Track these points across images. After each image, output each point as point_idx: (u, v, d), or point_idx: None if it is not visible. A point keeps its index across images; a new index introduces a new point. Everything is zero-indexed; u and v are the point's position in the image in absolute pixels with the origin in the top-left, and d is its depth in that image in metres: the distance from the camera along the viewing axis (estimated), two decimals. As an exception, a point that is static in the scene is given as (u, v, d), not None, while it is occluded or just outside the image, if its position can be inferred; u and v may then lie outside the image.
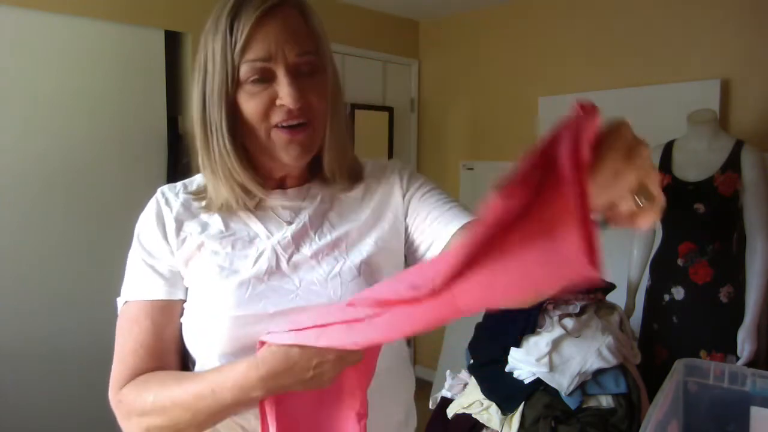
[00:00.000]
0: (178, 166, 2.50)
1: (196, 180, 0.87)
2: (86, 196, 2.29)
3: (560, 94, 2.92)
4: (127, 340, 0.77)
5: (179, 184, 0.87)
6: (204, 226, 0.81)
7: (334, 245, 0.81)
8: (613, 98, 2.71)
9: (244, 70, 0.73)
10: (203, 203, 0.82)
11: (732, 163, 2.00)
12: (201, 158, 0.79)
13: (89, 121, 2.28)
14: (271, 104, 0.75)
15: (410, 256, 0.89)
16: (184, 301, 0.80)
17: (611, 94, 2.72)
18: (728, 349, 2.01)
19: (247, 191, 0.79)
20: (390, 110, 3.45)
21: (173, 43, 2.57)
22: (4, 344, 2.11)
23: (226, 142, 0.75)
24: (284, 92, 0.73)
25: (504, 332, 1.87)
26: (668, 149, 2.18)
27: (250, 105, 0.74)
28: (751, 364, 1.96)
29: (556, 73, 2.94)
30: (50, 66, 2.18)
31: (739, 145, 2.01)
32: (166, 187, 0.87)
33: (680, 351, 1.93)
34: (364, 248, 0.81)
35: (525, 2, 3.06)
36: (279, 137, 0.76)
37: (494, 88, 3.22)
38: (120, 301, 0.82)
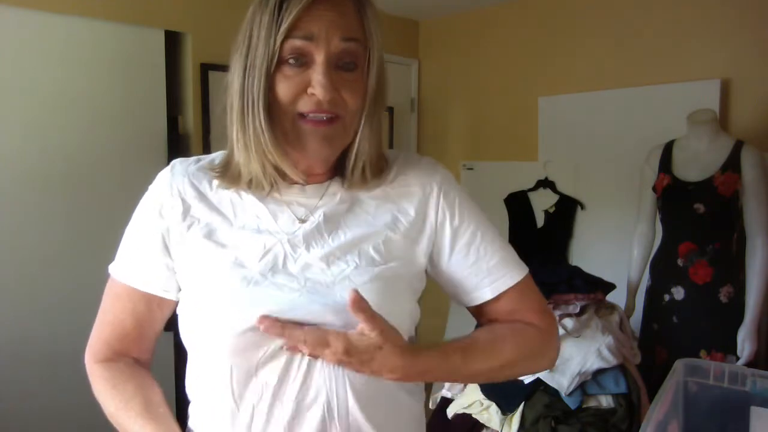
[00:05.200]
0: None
1: (215, 157, 0.84)
2: (86, 197, 2.28)
3: (560, 94, 2.92)
4: (109, 313, 0.83)
5: (192, 160, 0.84)
6: (212, 212, 0.79)
7: (347, 249, 0.77)
8: (613, 98, 2.71)
9: (286, 49, 0.71)
10: (225, 179, 0.79)
11: (732, 163, 2.00)
12: (236, 132, 0.75)
13: (89, 121, 2.28)
14: (302, 91, 0.72)
15: (440, 280, 0.86)
16: (175, 302, 0.81)
17: (611, 94, 2.72)
18: (728, 349, 2.01)
19: (278, 171, 0.76)
20: (390, 110, 3.45)
21: (173, 43, 2.57)
22: (3, 345, 2.11)
23: (262, 120, 0.72)
24: (316, 80, 0.70)
25: (504, 332, 1.87)
26: (668, 149, 2.18)
27: (282, 87, 0.72)
28: (751, 364, 1.96)
29: (556, 73, 2.94)
30: (50, 66, 2.18)
31: (739, 145, 2.01)
32: (178, 163, 0.83)
33: (680, 351, 1.93)
34: (379, 255, 0.77)
35: (525, 2, 3.06)
36: (303, 126, 0.73)
37: (494, 88, 3.22)
38: (111, 269, 0.83)
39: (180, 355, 2.47)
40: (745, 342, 1.96)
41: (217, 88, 2.85)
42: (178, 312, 0.80)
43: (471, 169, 3.33)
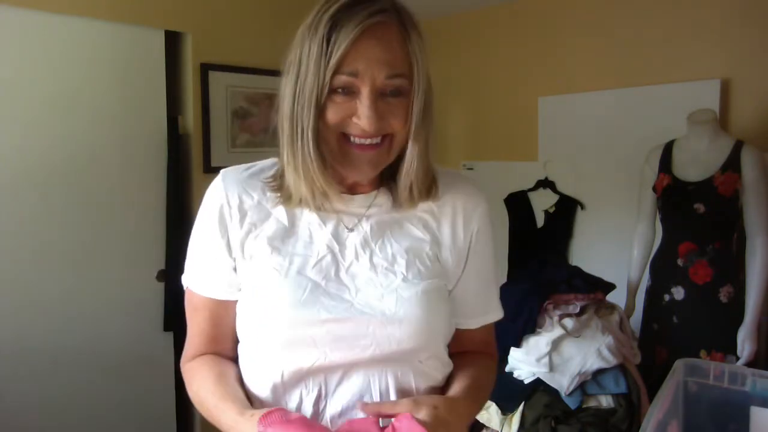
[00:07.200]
0: (178, 166, 2.51)
1: (264, 167, 0.87)
2: (86, 197, 2.28)
3: (560, 94, 2.92)
4: (192, 324, 0.89)
5: (242, 168, 0.87)
6: (267, 218, 0.83)
7: (394, 260, 0.82)
8: (613, 98, 2.71)
9: (334, 82, 0.74)
10: (278, 194, 0.83)
11: (732, 163, 2.00)
12: (286, 155, 0.79)
13: (89, 122, 2.28)
14: (349, 116, 0.76)
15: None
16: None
17: (611, 94, 2.72)
18: (728, 349, 2.01)
19: (325, 194, 0.80)
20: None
21: (173, 43, 2.57)
22: (3, 344, 2.11)
23: (311, 149, 0.76)
24: (363, 113, 0.74)
25: (504, 332, 1.87)
26: (668, 149, 2.18)
27: (331, 112, 0.75)
28: (751, 364, 1.96)
29: (556, 73, 2.94)
30: (50, 66, 2.18)
31: (739, 145, 2.01)
32: (229, 172, 0.86)
33: (680, 351, 1.93)
34: (425, 269, 0.82)
35: (525, 2, 3.06)
36: (349, 150, 0.77)
37: (494, 88, 3.22)
38: (184, 280, 0.88)
39: (180, 355, 2.47)
40: (745, 342, 1.96)
41: (217, 88, 2.86)
42: (237, 308, 0.85)
43: (471, 169, 3.33)
